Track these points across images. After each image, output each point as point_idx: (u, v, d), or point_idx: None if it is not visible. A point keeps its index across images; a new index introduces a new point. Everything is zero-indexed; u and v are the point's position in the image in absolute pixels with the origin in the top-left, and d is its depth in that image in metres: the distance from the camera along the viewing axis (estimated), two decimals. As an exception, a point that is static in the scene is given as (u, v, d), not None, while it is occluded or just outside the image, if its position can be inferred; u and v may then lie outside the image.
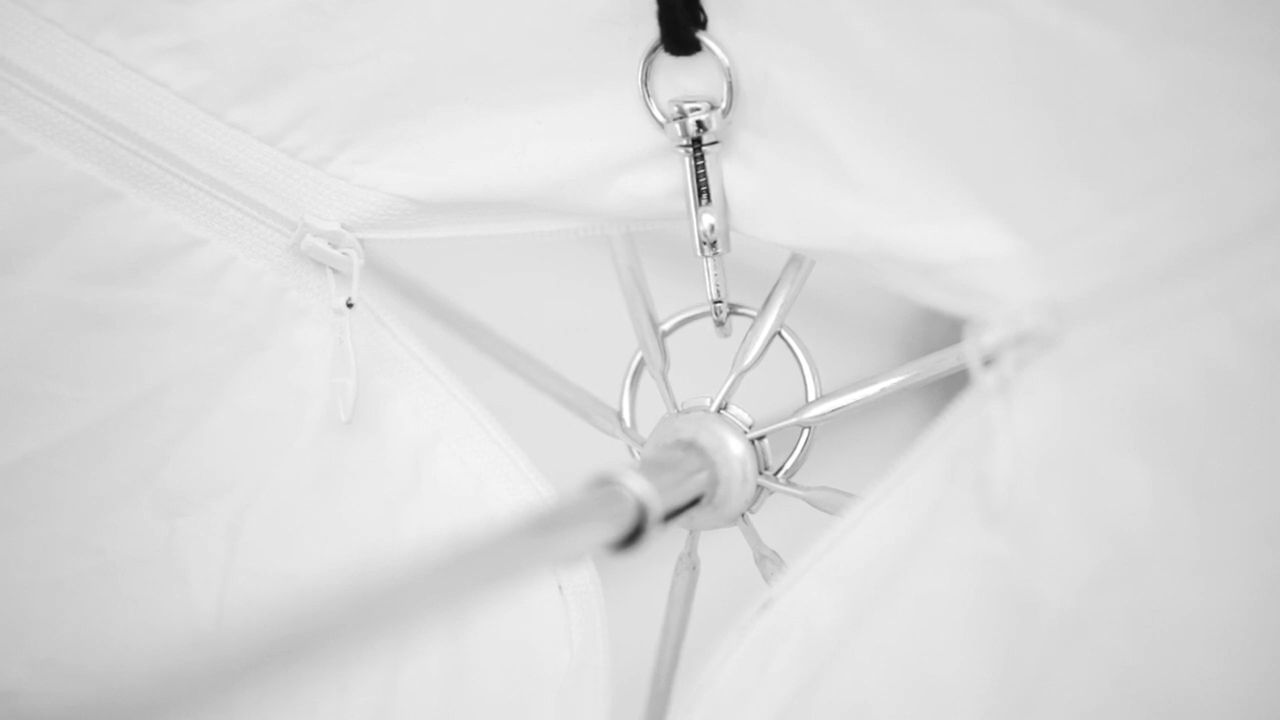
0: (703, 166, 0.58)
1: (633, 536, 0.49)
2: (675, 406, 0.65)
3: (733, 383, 0.63)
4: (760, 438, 0.62)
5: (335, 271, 0.62)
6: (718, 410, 0.63)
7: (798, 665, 0.56)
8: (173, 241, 0.61)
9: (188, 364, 0.63)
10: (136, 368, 0.62)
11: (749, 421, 0.62)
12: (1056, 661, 0.49)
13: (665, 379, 0.65)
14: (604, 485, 0.49)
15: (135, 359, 0.62)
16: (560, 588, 0.62)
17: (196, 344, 0.62)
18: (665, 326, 0.67)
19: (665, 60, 0.57)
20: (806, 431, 0.63)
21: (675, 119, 0.57)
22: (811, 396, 0.63)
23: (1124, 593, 0.48)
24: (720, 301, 0.62)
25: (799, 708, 0.55)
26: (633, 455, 0.66)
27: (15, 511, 0.61)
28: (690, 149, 0.57)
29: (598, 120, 0.58)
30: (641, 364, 0.67)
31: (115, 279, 0.61)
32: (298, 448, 0.63)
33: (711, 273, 0.61)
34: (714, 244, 0.59)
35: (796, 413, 0.63)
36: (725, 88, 0.56)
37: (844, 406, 0.62)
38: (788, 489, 0.63)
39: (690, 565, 0.68)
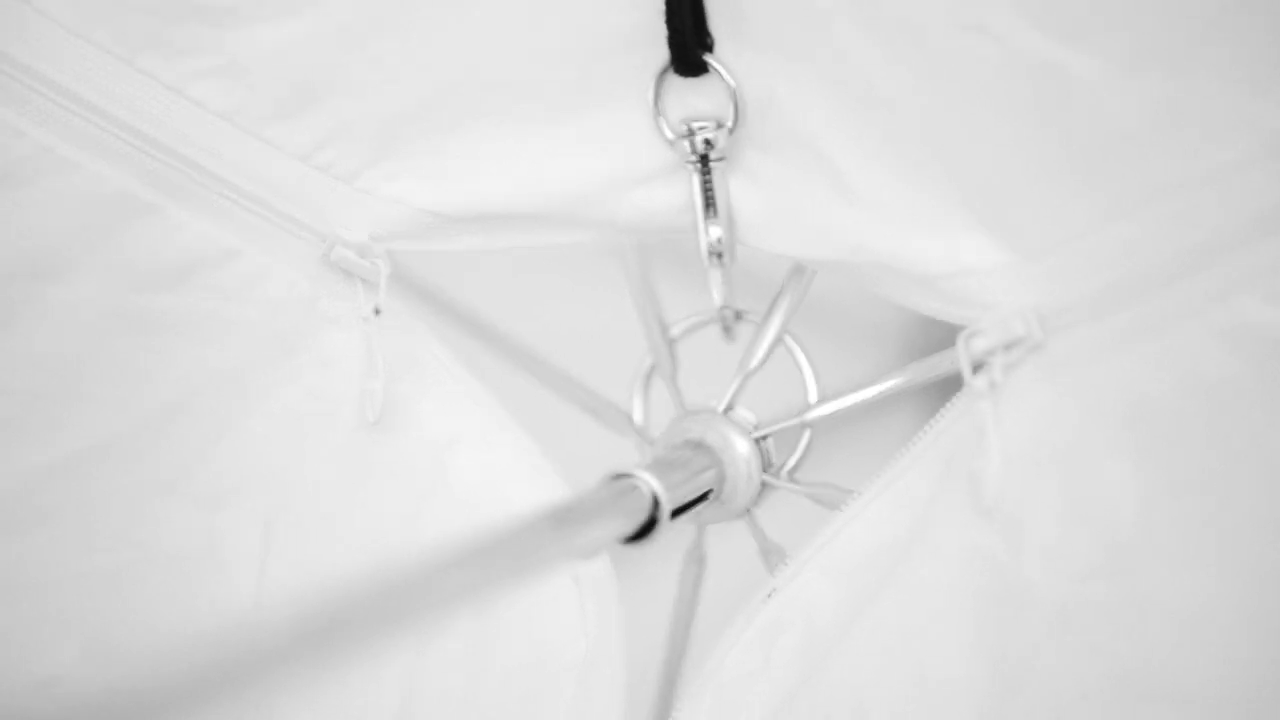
0: (710, 181, 0.58)
1: (646, 529, 0.50)
2: (684, 408, 0.65)
3: (739, 385, 0.64)
4: (764, 437, 0.63)
5: (363, 280, 0.63)
6: (724, 412, 0.63)
7: (800, 651, 0.56)
8: (209, 252, 0.61)
9: (224, 368, 0.63)
10: (176, 371, 0.62)
11: (754, 422, 0.63)
12: (1044, 648, 0.50)
13: (674, 382, 0.66)
14: (619, 481, 0.50)
15: (174, 363, 0.62)
16: (576, 579, 0.62)
17: (232, 349, 0.62)
18: (674, 332, 0.67)
19: (675, 81, 0.57)
20: (808, 431, 0.64)
21: (684, 137, 0.58)
22: (813, 398, 0.64)
23: (1108, 583, 0.49)
24: (727, 308, 0.63)
25: (802, 691, 0.56)
26: (643, 454, 0.67)
27: (62, 506, 0.61)
28: (698, 165, 0.58)
29: (611, 138, 0.59)
30: (652, 368, 0.68)
31: (155, 287, 0.61)
32: (329, 447, 0.63)
33: (718, 281, 0.62)
34: (721, 254, 0.60)
35: (799, 414, 0.63)
36: (731, 107, 0.56)
37: (844, 408, 0.63)
38: (791, 485, 0.63)
39: (698, 558, 0.68)
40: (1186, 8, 0.45)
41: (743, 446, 0.62)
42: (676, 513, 0.53)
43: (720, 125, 0.57)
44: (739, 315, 0.63)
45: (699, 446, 0.61)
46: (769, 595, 0.58)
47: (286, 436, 0.63)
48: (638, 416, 0.68)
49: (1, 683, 0.59)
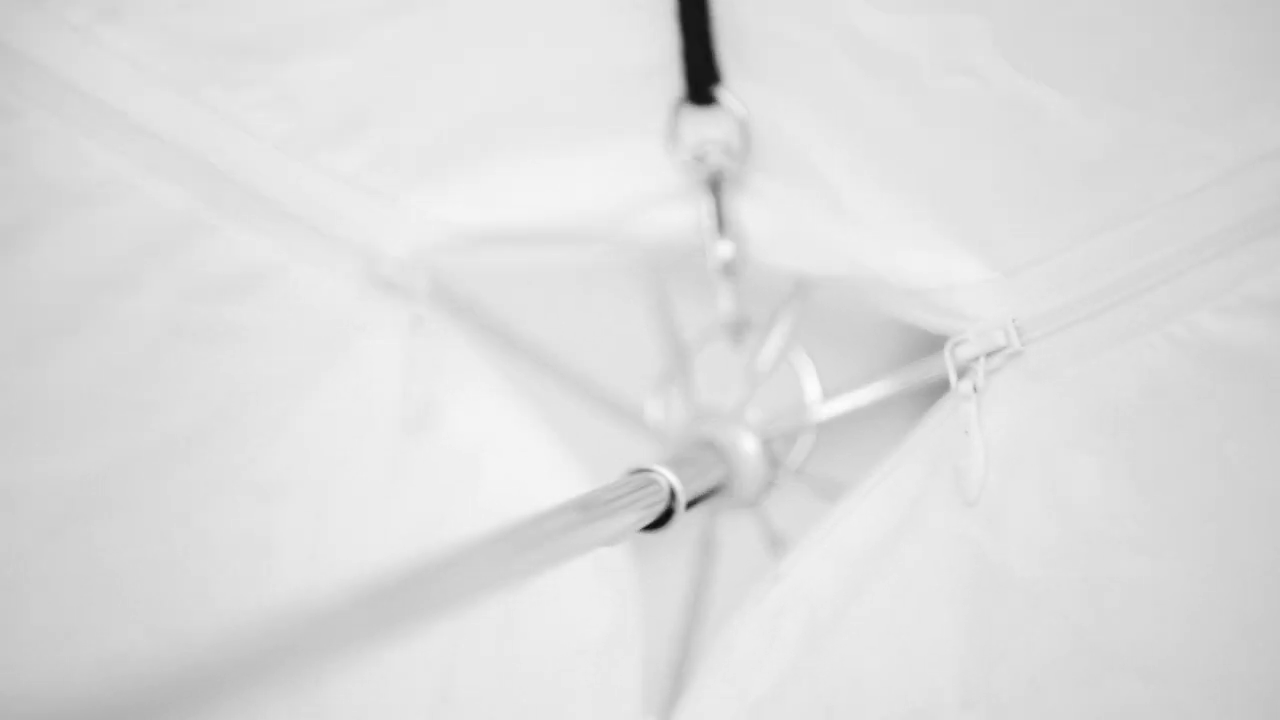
0: (720, 203, 0.61)
1: (663, 519, 0.52)
2: (697, 410, 0.67)
3: (747, 388, 0.65)
4: (771, 438, 0.65)
5: (403, 293, 0.65)
6: (734, 413, 0.65)
7: (803, 630, 0.58)
8: (263, 268, 0.63)
9: (276, 373, 0.64)
10: (232, 376, 0.64)
11: (761, 422, 0.65)
12: (1021, 623, 0.52)
13: (688, 386, 0.67)
14: (639, 475, 0.52)
15: (231, 368, 0.64)
16: (597, 564, 0.64)
17: (283, 356, 0.64)
18: (688, 339, 0.69)
19: (689, 110, 0.59)
20: (811, 430, 0.65)
21: (697, 162, 0.60)
22: (816, 400, 0.65)
23: (1078, 565, 0.51)
24: (736, 317, 0.64)
25: (804, 665, 0.57)
26: (661, 452, 0.67)
27: (130, 498, 0.62)
28: (710, 188, 0.61)
29: (630, 162, 0.61)
30: (667, 373, 0.70)
31: (213, 300, 0.63)
32: (372, 445, 0.65)
33: (728, 293, 0.63)
34: (730, 269, 0.62)
35: (802, 414, 0.65)
36: (740, 135, 0.59)
37: (843, 409, 0.65)
38: (794, 480, 0.65)
39: (710, 546, 0.70)
40: (1147, 53, 0.48)
41: (751, 445, 0.63)
42: (691, 504, 0.54)
43: (730, 151, 0.59)
44: (747, 324, 0.65)
45: (711, 445, 0.63)
46: (775, 580, 0.59)
47: (333, 436, 0.65)
48: (655, 418, 0.69)
49: (74, 659, 0.60)
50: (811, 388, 0.65)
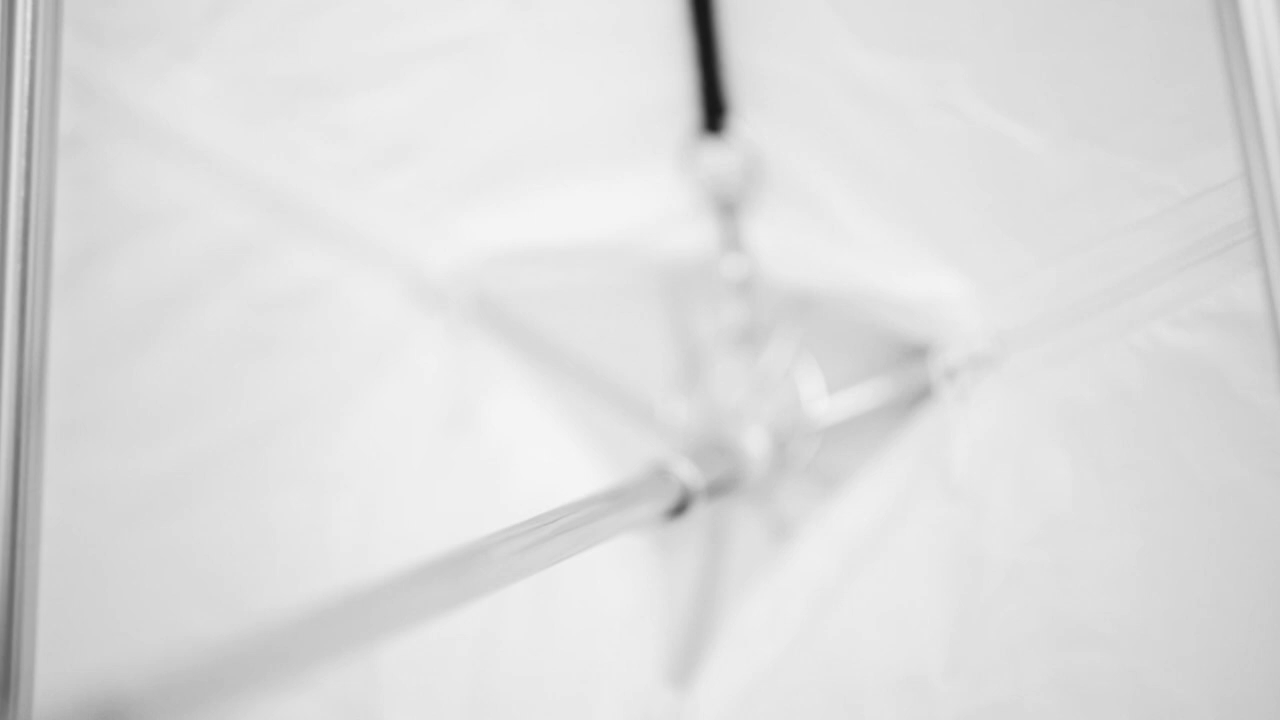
0: (733, 225, 0.65)
1: (680, 509, 0.56)
2: (711, 411, 0.70)
3: (756, 391, 0.69)
4: (776, 436, 0.67)
5: (445, 305, 0.69)
6: (744, 413, 0.68)
7: (806, 607, 0.62)
8: (319, 282, 0.68)
9: (329, 378, 0.69)
10: (289, 381, 0.68)
11: (768, 422, 0.68)
12: (999, 600, 0.56)
13: (703, 389, 0.71)
14: (659, 469, 0.56)
15: (288, 374, 0.68)
16: (620, 550, 0.68)
17: (336, 363, 0.69)
18: (704, 348, 0.72)
19: (703, 140, 0.63)
20: (815, 428, 0.69)
21: (711, 187, 0.64)
22: (818, 403, 0.69)
23: (1050, 549, 0.55)
24: (748, 327, 0.68)
25: (808, 638, 0.61)
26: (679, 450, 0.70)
27: (201, 492, 0.67)
28: (723, 210, 0.65)
29: (650, 188, 0.66)
30: (685, 377, 0.73)
31: (273, 312, 0.68)
32: (417, 444, 0.69)
33: (740, 306, 0.67)
34: (741, 283, 0.66)
35: (806, 415, 0.69)
36: (751, 164, 0.63)
37: (842, 412, 0.68)
38: (798, 475, 0.69)
39: (723, 534, 0.73)
40: (1111, 94, 0.52)
41: (758, 443, 0.66)
42: (705, 496, 0.57)
43: (740, 177, 0.63)
44: (756, 332, 0.68)
45: (724, 443, 0.66)
46: (781, 564, 0.63)
47: (381, 435, 0.69)
48: (673, 419, 0.72)
49: (153, 637, 0.65)
50: (814, 390, 0.69)
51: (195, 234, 0.67)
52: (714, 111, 0.64)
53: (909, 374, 0.67)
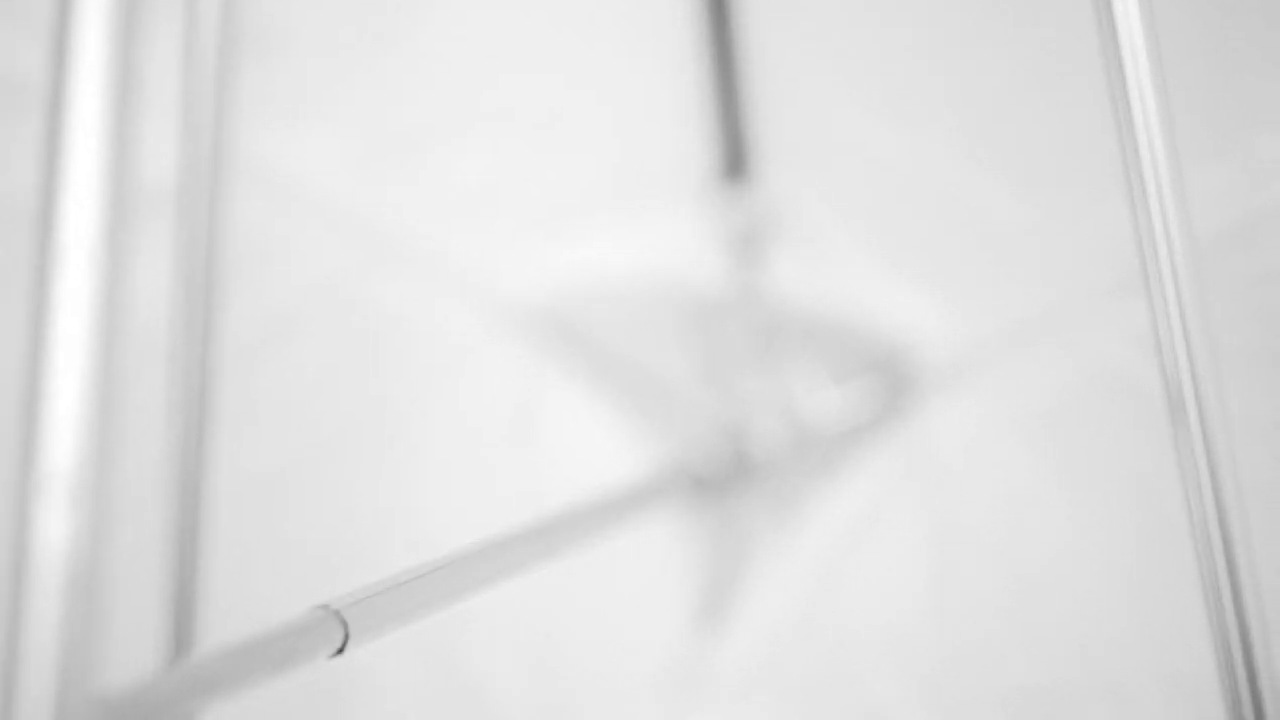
0: (752, 254, 0.74)
1: (696, 496, 0.64)
2: (727, 412, 0.76)
3: (768, 394, 0.75)
4: (781, 434, 0.74)
5: (511, 320, 0.77)
6: (757, 414, 0.75)
7: (807, 586, 0.70)
8: (405, 302, 0.76)
9: (413, 386, 0.77)
10: (381, 389, 0.77)
11: (774, 422, 0.74)
12: (976, 576, 0.64)
13: (720, 391, 0.77)
14: (678, 465, 0.66)
15: (381, 383, 0.77)
16: (645, 533, 0.75)
17: (420, 372, 0.77)
18: (720, 358, 0.78)
19: (725, 184, 0.72)
20: (815, 429, 0.75)
21: (734, 223, 0.73)
22: (820, 404, 0.75)
23: (1021, 529, 0.63)
24: (761, 340, 0.75)
25: (813, 609, 0.70)
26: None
27: (308, 484, 0.75)
28: (744, 243, 0.74)
29: (681, 224, 0.74)
30: (706, 385, 0.78)
31: (369, 329, 0.77)
32: (485, 442, 0.78)
33: (755, 323, 0.75)
34: (756, 303, 0.74)
35: (808, 416, 0.75)
36: (767, 204, 0.72)
37: (841, 412, 0.74)
38: (801, 470, 0.74)
39: (733, 524, 0.77)
40: (1063, 145, 0.61)
41: (769, 441, 0.72)
42: (717, 487, 0.65)
43: (759, 215, 0.72)
44: (772, 344, 0.74)
45: (739, 439, 0.72)
46: (784, 550, 0.71)
47: (456, 435, 0.78)
48: (695, 423, 0.77)
49: (256, 615, 0.73)
50: (815, 393, 0.76)
51: (297, 269, 0.77)
52: (735, 157, 0.73)
53: (900, 379, 0.73)
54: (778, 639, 0.73)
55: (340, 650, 0.40)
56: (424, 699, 0.72)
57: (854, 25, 0.69)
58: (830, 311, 0.73)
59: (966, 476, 0.66)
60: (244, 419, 0.75)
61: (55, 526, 0.27)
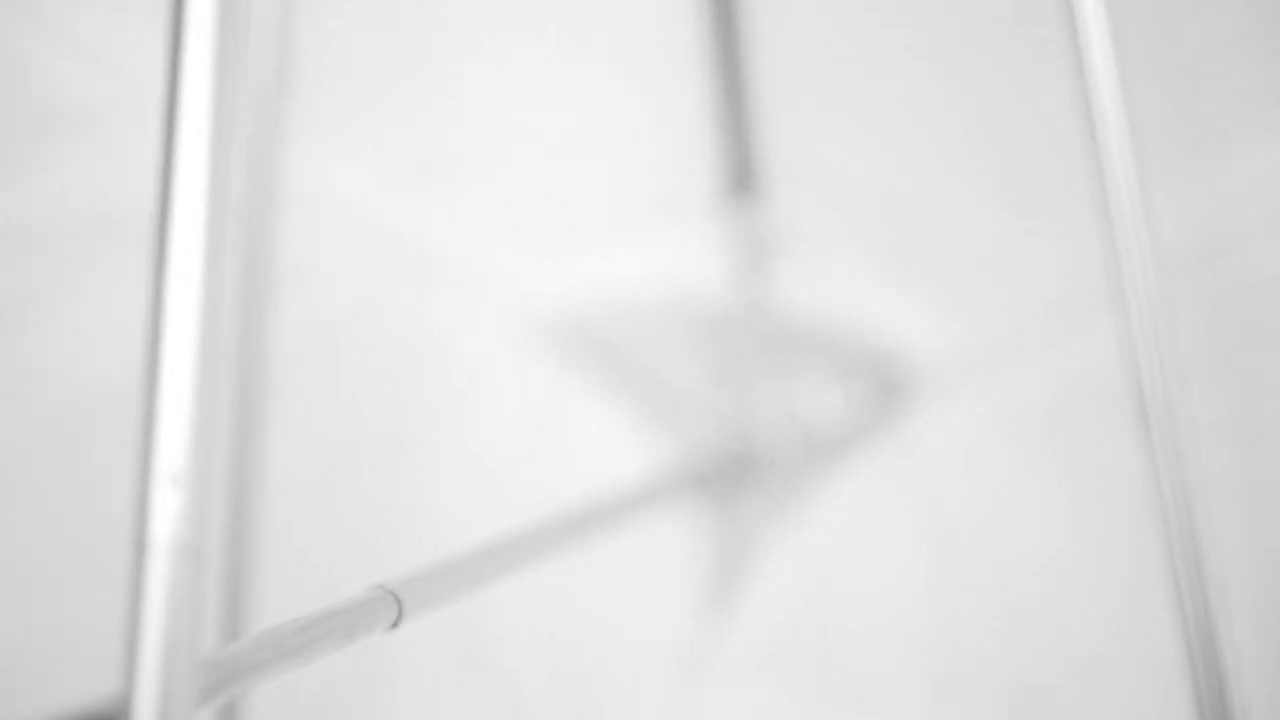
0: (760, 266, 0.78)
1: (704, 491, 0.69)
2: (733, 411, 0.81)
3: (772, 397, 0.80)
4: (786, 434, 0.78)
5: (532, 330, 0.82)
6: (762, 416, 0.79)
7: (807, 578, 0.74)
8: (433, 314, 0.81)
9: (443, 394, 0.82)
10: (414, 397, 0.82)
11: (779, 422, 0.78)
12: (968, 566, 0.68)
13: (728, 394, 0.82)
14: (689, 462, 0.70)
15: (414, 392, 0.82)
16: (656, 524, 0.80)
17: (451, 380, 0.82)
18: (729, 364, 0.82)
19: (732, 199, 0.76)
20: (818, 429, 0.79)
21: (742, 238, 0.77)
22: (821, 406, 0.79)
23: (1009, 524, 0.68)
24: (768, 349, 0.79)
25: (816, 596, 0.75)
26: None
27: (362, 477, 0.80)
28: (749, 256, 0.79)
29: (692, 240, 0.79)
30: (715, 387, 0.83)
31: (405, 341, 0.82)
32: (508, 443, 0.83)
33: (762, 331, 0.79)
34: (764, 314, 0.78)
35: (810, 417, 0.79)
36: (774, 219, 0.76)
37: (841, 413, 0.79)
38: (804, 468, 0.79)
39: (740, 519, 0.81)
40: (1027, 164, 0.65)
41: (774, 442, 0.76)
42: (725, 483, 0.69)
43: (766, 228, 0.76)
44: (778, 353, 0.80)
45: (747, 439, 0.78)
46: (787, 544, 0.75)
47: (481, 437, 0.83)
48: (704, 425, 0.82)
49: (310, 597, 0.78)
50: (817, 395, 0.80)
51: (346, 284, 0.82)
52: (742, 173, 0.77)
53: (896, 384, 0.78)
54: (783, 621, 0.76)
55: (395, 624, 0.43)
56: (454, 681, 0.76)
57: (860, 43, 0.73)
58: (832, 319, 0.77)
59: (961, 479, 0.70)
60: (295, 421, 0.79)
61: (168, 514, 0.31)
